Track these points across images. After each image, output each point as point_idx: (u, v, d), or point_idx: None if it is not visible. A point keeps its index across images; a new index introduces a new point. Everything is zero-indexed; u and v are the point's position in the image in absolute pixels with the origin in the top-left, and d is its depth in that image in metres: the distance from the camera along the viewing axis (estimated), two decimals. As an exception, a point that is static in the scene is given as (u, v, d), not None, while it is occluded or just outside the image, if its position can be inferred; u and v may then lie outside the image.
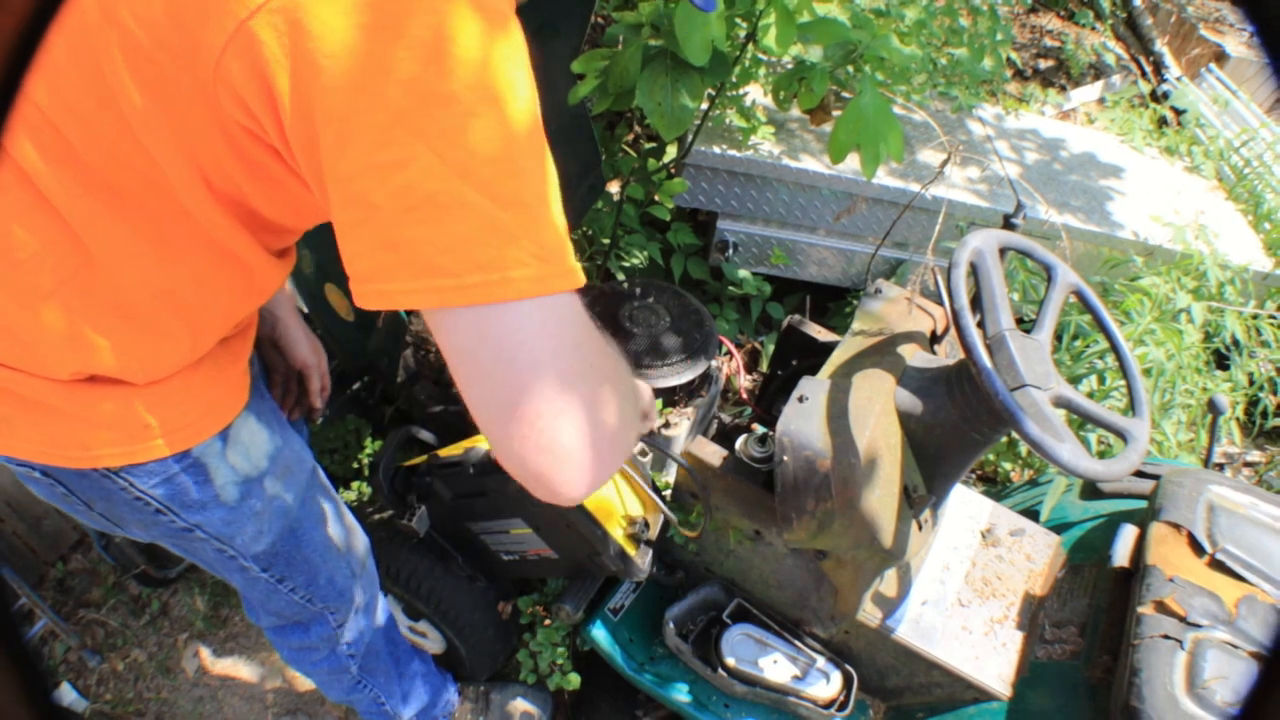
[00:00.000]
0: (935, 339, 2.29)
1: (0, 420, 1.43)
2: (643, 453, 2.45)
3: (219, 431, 1.62)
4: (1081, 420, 3.44)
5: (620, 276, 3.55)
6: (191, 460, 1.60)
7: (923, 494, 2.06)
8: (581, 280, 1.09)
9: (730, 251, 4.23)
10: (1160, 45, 7.41)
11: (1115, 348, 2.01)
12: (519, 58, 1.05)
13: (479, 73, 1.01)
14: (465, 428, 2.75)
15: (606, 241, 3.91)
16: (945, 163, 2.89)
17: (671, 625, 2.34)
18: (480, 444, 2.39)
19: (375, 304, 1.06)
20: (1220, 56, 7.13)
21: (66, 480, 1.57)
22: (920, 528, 2.13)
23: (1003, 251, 1.98)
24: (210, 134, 1.16)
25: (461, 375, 1.11)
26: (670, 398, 2.65)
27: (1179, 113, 6.61)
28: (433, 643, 2.76)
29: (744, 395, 3.12)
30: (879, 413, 1.97)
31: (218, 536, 1.75)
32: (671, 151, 3.95)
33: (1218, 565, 2.07)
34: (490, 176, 1.02)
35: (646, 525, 2.30)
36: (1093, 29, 7.87)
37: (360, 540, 2.14)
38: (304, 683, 3.07)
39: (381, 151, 1.00)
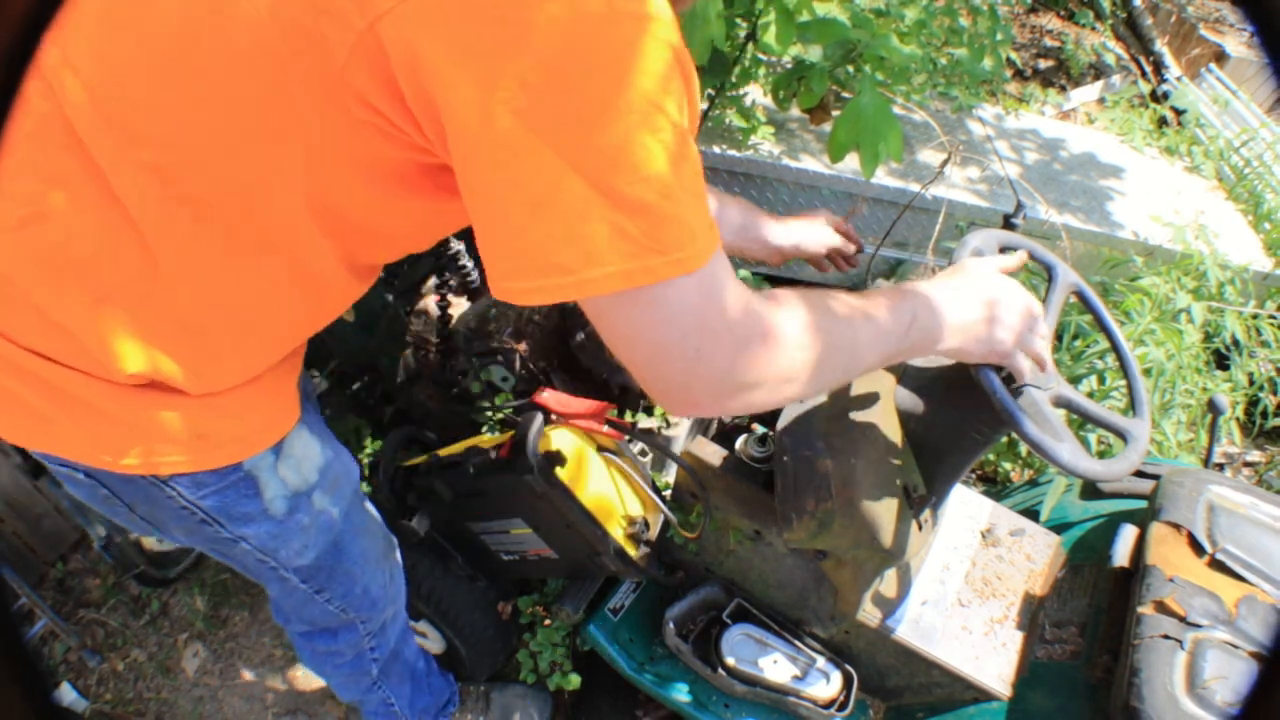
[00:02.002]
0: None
1: (47, 419, 1.40)
2: (643, 453, 2.44)
3: (272, 445, 1.61)
4: (1081, 420, 3.44)
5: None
6: (243, 473, 1.58)
7: (923, 494, 2.06)
8: (707, 257, 1.14)
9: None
10: (1160, 45, 7.41)
11: (1116, 347, 2.00)
12: (653, 55, 1.06)
13: (607, 77, 1.03)
14: (465, 428, 2.74)
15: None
16: (945, 162, 2.89)
17: (671, 625, 2.34)
18: (480, 444, 2.38)
19: (509, 299, 1.12)
20: (1220, 56, 7.13)
21: (111, 484, 1.55)
22: (920, 528, 2.12)
23: (1003, 251, 1.98)
24: (329, 126, 1.17)
25: (604, 339, 1.22)
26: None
27: (1179, 113, 6.61)
28: (433, 643, 2.75)
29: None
30: (879, 412, 1.97)
31: (262, 549, 1.73)
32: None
33: (1218, 565, 2.07)
34: (615, 179, 1.05)
35: (646, 525, 2.30)
36: (1093, 29, 7.87)
37: (395, 550, 2.14)
38: (305, 683, 3.07)
39: (508, 160, 1.05)
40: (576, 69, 1.02)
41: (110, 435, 1.43)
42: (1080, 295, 2.02)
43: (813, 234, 2.28)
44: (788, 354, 1.26)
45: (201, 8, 1.13)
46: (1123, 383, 3.40)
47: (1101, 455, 3.42)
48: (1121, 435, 1.81)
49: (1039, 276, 3.91)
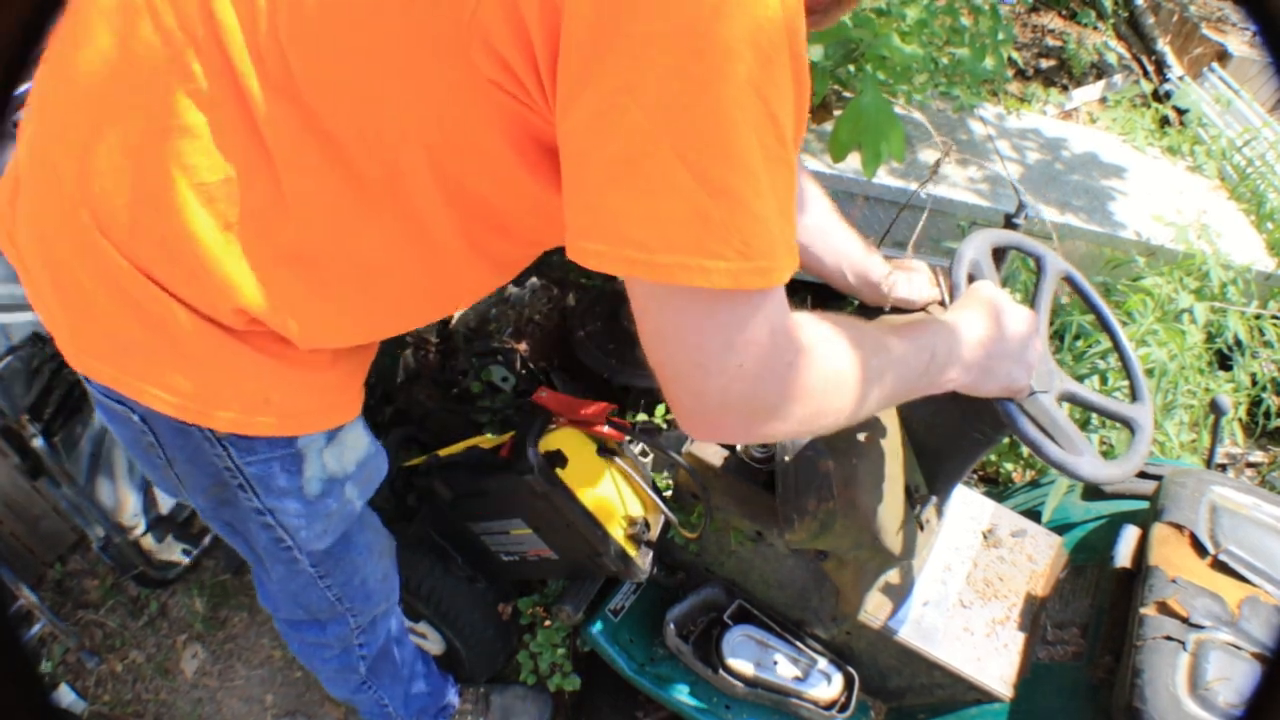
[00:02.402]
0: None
1: (134, 345, 1.41)
2: (643, 453, 2.44)
3: (330, 429, 1.64)
4: (1084, 419, 3.44)
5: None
6: (295, 449, 1.61)
7: (924, 494, 2.06)
8: (783, 279, 1.10)
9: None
10: (1162, 44, 7.40)
11: (1107, 328, 2.01)
12: (776, 46, 1.03)
13: (721, 57, 1.00)
14: (465, 428, 2.74)
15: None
16: (939, 163, 2.89)
17: (672, 626, 2.33)
18: (480, 444, 2.38)
19: (576, 258, 1.10)
20: (1222, 56, 7.12)
21: (161, 432, 1.56)
22: (922, 528, 2.12)
23: (1001, 253, 1.97)
24: (457, 82, 1.17)
25: (641, 329, 1.17)
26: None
27: (1181, 112, 6.60)
28: (432, 644, 2.75)
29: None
30: (880, 413, 1.96)
31: (284, 526, 1.75)
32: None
33: (1220, 566, 2.07)
34: (709, 164, 1.02)
35: (647, 526, 2.30)
36: (1094, 28, 7.86)
37: (392, 546, 2.15)
38: (304, 684, 3.07)
39: (606, 118, 1.03)
40: (691, 40, 0.99)
41: (190, 379, 1.44)
42: (1070, 281, 2.02)
43: (921, 289, 2.09)
44: (826, 390, 1.24)
45: None
46: (1125, 383, 3.39)
47: (1104, 455, 3.42)
48: (1127, 424, 1.81)
49: (1028, 270, 3.90)
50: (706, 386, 1.16)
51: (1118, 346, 2.02)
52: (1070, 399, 1.80)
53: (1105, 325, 2.03)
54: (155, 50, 1.25)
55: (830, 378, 1.24)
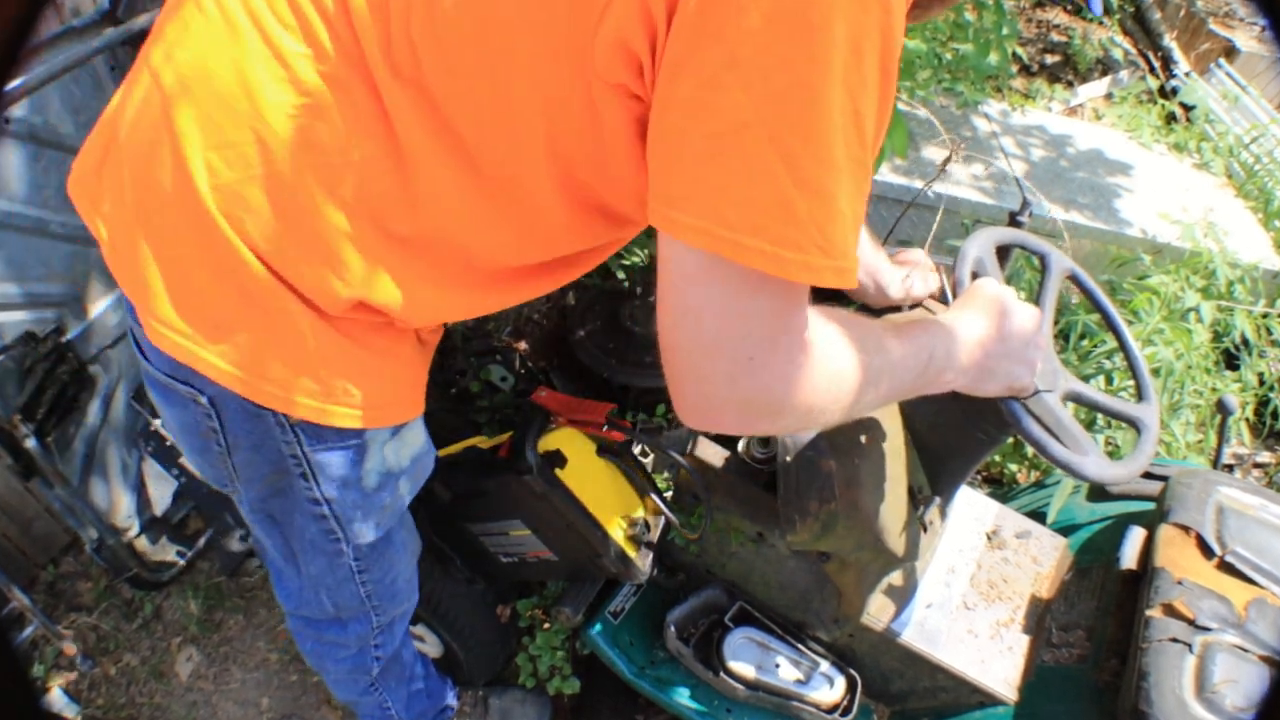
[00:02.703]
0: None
1: (227, 326, 1.43)
2: (643, 453, 2.42)
3: (399, 424, 1.67)
4: (1090, 418, 3.42)
5: (620, 275, 3.51)
6: (362, 440, 1.63)
7: (927, 495, 2.05)
8: (852, 283, 1.13)
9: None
10: (1169, 40, 7.38)
11: (1113, 326, 2.01)
12: (872, 48, 1.06)
13: (824, 50, 1.02)
14: (464, 428, 2.72)
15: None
16: (947, 160, 2.86)
17: (672, 628, 2.32)
18: (479, 444, 2.37)
19: (660, 225, 1.13)
20: (1230, 51, 7.09)
21: (230, 415, 1.58)
22: (925, 530, 2.11)
23: (1005, 251, 1.96)
24: (579, 93, 1.21)
25: (673, 303, 1.17)
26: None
27: (1188, 109, 6.58)
28: (430, 646, 2.73)
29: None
30: (883, 413, 1.95)
31: (339, 517, 1.76)
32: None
33: (1227, 568, 2.05)
34: (800, 154, 1.05)
35: (647, 527, 2.29)
36: (1100, 24, 7.83)
37: (419, 547, 2.15)
38: (299, 687, 3.06)
39: (708, 91, 1.05)
40: (799, 31, 1.02)
41: (280, 360, 1.46)
42: (1075, 280, 2.01)
43: (924, 283, 2.12)
44: (826, 391, 1.25)
45: None
46: (1131, 383, 3.37)
47: (1109, 455, 3.40)
48: (1133, 423, 1.80)
49: (1032, 268, 3.88)
50: (711, 370, 1.18)
51: (1123, 346, 2.00)
52: (1075, 399, 1.78)
53: (1111, 324, 2.02)
54: (288, 28, 1.29)
55: (831, 378, 1.25)
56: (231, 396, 1.50)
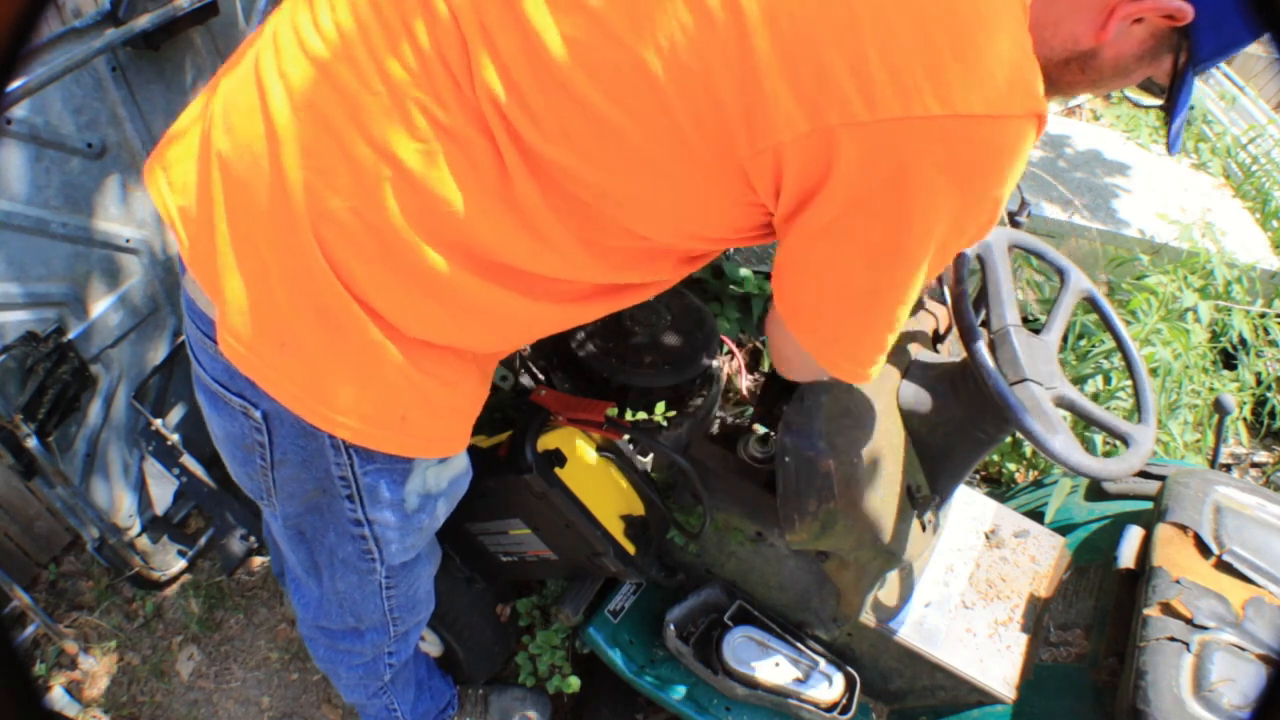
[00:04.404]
0: (939, 338, 2.28)
1: (300, 346, 1.44)
2: (643, 452, 2.42)
3: (452, 455, 1.70)
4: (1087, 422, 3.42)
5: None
6: (409, 464, 1.65)
7: (926, 494, 2.05)
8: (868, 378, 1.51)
9: (731, 250, 4.20)
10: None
11: (1126, 354, 2.01)
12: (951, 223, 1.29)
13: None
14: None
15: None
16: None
17: (672, 627, 2.32)
18: (478, 443, 2.37)
19: (838, 372, 1.51)
20: (1227, 53, 7.09)
21: (282, 431, 1.59)
22: (924, 529, 2.11)
23: (1011, 249, 1.96)
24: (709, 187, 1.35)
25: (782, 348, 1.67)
26: (671, 397, 2.62)
27: (1185, 110, 6.58)
28: (430, 645, 2.73)
29: (745, 395, 3.09)
30: (882, 412, 1.95)
31: (377, 539, 1.78)
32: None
33: (1224, 567, 2.06)
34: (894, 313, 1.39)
35: (646, 526, 2.28)
36: (1098, 26, 7.84)
37: (440, 557, 2.17)
38: (300, 686, 3.06)
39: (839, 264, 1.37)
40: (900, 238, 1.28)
41: (365, 394, 1.48)
42: (1092, 301, 2.02)
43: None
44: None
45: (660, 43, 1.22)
46: (1129, 382, 3.38)
47: (1108, 455, 3.40)
48: (1123, 439, 1.80)
49: (1043, 275, 3.89)
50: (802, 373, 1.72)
51: (1131, 368, 2.00)
52: (1069, 406, 1.78)
53: (1122, 347, 2.02)
54: (410, 71, 1.31)
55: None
56: (288, 413, 1.50)
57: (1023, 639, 2.28)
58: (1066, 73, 1.30)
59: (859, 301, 1.38)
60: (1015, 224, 2.29)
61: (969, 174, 1.22)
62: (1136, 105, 1.64)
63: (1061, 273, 1.98)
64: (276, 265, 1.38)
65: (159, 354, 2.90)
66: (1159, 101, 1.52)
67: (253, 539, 2.98)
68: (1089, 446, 3.35)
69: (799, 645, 2.33)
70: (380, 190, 1.32)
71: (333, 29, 1.35)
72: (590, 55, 1.23)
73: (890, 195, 1.22)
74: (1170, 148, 1.57)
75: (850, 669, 2.32)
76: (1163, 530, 2.15)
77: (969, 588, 2.36)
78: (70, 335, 2.55)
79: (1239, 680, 1.80)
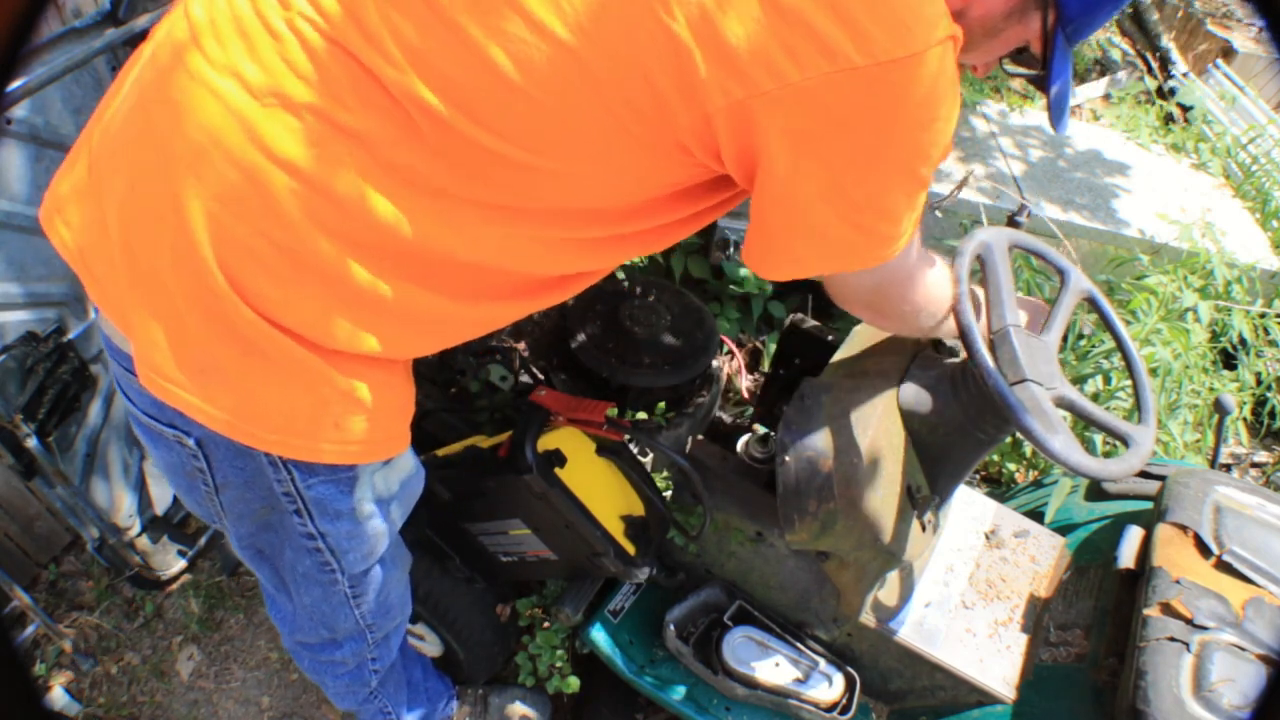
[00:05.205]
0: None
1: (218, 369, 1.41)
2: (643, 453, 2.42)
3: (392, 457, 1.68)
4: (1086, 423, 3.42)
5: (620, 275, 3.52)
6: (353, 473, 1.63)
7: (926, 494, 2.04)
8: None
9: (731, 250, 4.19)
10: (1166, 41, 7.38)
11: (1126, 355, 2.00)
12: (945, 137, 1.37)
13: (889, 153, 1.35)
14: (463, 427, 2.72)
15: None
16: (963, 183, 2.86)
17: (672, 627, 2.32)
18: (479, 444, 2.37)
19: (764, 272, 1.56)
20: (1227, 52, 7.10)
21: (219, 456, 1.58)
22: (924, 529, 2.11)
23: (1011, 249, 1.96)
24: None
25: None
26: (671, 397, 2.62)
27: (1185, 109, 6.58)
28: (430, 646, 2.73)
29: (745, 395, 3.09)
30: (881, 412, 1.95)
31: (333, 550, 1.77)
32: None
33: (1224, 567, 2.05)
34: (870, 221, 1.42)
35: (646, 526, 2.28)
36: (1097, 27, 7.83)
37: (409, 560, 2.15)
38: (300, 686, 3.05)
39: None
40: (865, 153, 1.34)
41: (293, 409, 1.46)
42: (1093, 302, 2.01)
43: None
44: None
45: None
46: (1129, 383, 3.38)
47: (1108, 456, 3.40)
48: (1123, 439, 1.80)
49: (1043, 275, 3.88)
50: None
51: (1131, 368, 1.99)
52: (1068, 407, 1.78)
53: (1122, 348, 2.01)
54: (302, 75, 1.29)
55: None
56: (220, 437, 1.49)
57: (1023, 639, 2.28)
58: None
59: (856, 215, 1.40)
60: (1015, 224, 2.29)
61: (908, 111, 1.29)
62: (1010, 75, 1.65)
63: (1062, 274, 1.98)
64: (184, 298, 1.36)
65: (159, 354, 2.89)
66: (1035, 71, 1.55)
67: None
68: (1089, 447, 3.35)
69: (799, 645, 2.33)
70: (287, 206, 1.30)
71: (215, 45, 1.32)
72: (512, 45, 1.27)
73: (842, 144, 1.31)
74: (1055, 124, 1.60)
75: (850, 669, 2.32)
76: (1163, 530, 2.15)
77: (969, 588, 2.36)
78: (70, 335, 2.54)
79: (1239, 680, 1.79)
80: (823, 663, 2.31)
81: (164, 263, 1.35)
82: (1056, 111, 1.57)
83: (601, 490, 2.25)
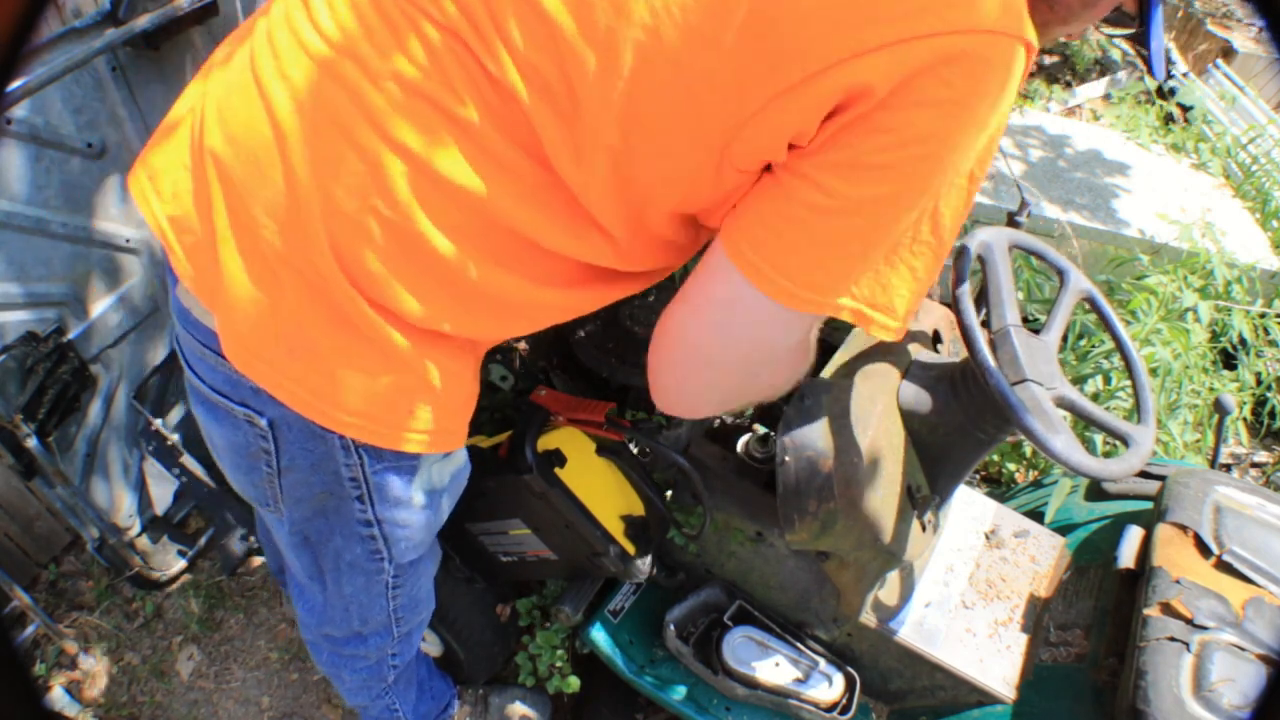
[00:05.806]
0: (938, 339, 2.27)
1: (309, 350, 1.42)
2: (643, 452, 2.42)
3: (457, 448, 1.69)
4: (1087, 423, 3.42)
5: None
6: (416, 460, 1.65)
7: (926, 494, 2.04)
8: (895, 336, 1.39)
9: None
10: (1166, 41, 7.38)
11: (1125, 355, 2.00)
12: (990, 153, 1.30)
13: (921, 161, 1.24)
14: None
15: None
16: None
17: (672, 627, 2.32)
18: (478, 443, 2.36)
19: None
20: (1227, 52, 7.10)
21: (290, 437, 1.58)
22: (924, 529, 2.10)
23: (1011, 249, 1.96)
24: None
25: (711, 319, 1.55)
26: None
27: (1185, 109, 6.58)
28: (430, 645, 2.74)
29: (745, 395, 3.08)
30: (882, 412, 1.95)
31: (387, 537, 1.77)
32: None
33: (1224, 567, 2.05)
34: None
35: (646, 526, 2.28)
36: (1098, 27, 7.83)
37: (440, 556, 2.16)
38: (300, 686, 3.06)
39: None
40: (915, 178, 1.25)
41: (376, 394, 1.47)
42: (1092, 302, 2.01)
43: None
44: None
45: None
46: (1129, 383, 3.38)
47: (1107, 456, 3.40)
48: (1124, 439, 1.80)
49: (1043, 275, 3.88)
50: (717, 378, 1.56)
51: (1130, 368, 2.00)
52: (1069, 407, 1.78)
53: (1121, 348, 2.01)
54: (419, 64, 1.30)
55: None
56: (296, 418, 1.49)
57: (1023, 639, 2.28)
58: (1036, 12, 1.29)
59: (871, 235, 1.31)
60: (1015, 224, 2.29)
61: (974, 89, 1.21)
62: (1110, 37, 1.66)
63: (1061, 273, 1.98)
64: (286, 270, 1.37)
65: (159, 354, 2.90)
66: (1131, 30, 1.54)
67: (253, 539, 2.98)
68: (1089, 446, 3.35)
69: (799, 645, 2.32)
70: (396, 184, 1.31)
71: (334, 28, 1.33)
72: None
73: (911, 115, 1.21)
74: (1154, 71, 1.59)
75: (850, 669, 2.32)
76: (1163, 530, 2.15)
77: (969, 588, 2.36)
78: (70, 335, 2.55)
79: (1239, 680, 1.79)
80: (823, 663, 2.30)
81: (269, 235, 1.36)
82: (1156, 62, 1.56)
83: (601, 490, 2.25)
